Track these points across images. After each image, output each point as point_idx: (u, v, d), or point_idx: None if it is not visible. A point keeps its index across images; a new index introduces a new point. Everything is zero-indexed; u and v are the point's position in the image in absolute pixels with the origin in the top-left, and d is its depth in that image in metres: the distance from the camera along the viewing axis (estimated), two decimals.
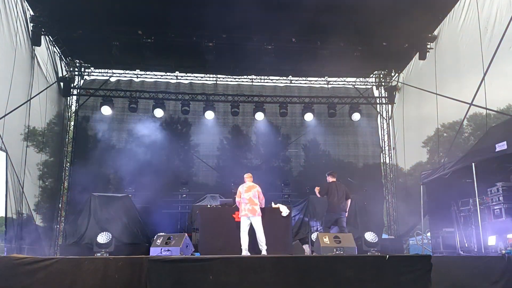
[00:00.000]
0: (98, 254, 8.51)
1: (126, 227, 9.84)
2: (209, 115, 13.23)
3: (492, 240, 7.31)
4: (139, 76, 13.85)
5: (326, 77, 14.18)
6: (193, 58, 12.49)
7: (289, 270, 5.79)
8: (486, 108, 8.69)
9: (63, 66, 12.73)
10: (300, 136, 14.27)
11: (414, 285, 5.70)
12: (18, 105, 9.53)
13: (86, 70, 13.70)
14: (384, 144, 14.16)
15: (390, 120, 14.08)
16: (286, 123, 14.37)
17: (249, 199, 7.75)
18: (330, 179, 8.70)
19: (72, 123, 13.40)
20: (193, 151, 13.96)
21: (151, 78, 13.94)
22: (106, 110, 12.83)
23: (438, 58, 10.90)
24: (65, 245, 9.91)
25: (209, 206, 9.06)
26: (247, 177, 8.12)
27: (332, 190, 8.43)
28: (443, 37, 10.89)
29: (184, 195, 12.32)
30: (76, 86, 13.46)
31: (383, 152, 14.15)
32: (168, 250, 6.91)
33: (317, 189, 8.57)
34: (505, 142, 6.76)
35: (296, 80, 14.22)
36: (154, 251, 7.03)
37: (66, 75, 12.87)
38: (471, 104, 9.14)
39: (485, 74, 8.53)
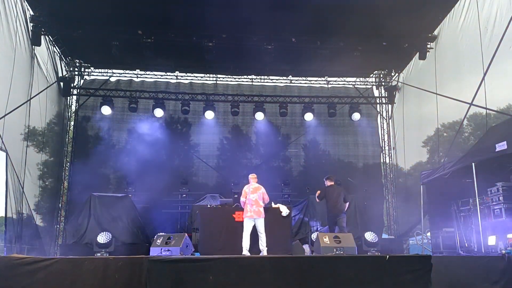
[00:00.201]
0: (98, 254, 8.51)
1: (126, 227, 9.82)
2: (209, 115, 13.23)
3: (492, 240, 7.31)
4: (139, 76, 13.85)
5: (326, 77, 14.18)
6: (193, 58, 12.46)
7: (289, 270, 5.79)
8: (486, 108, 8.68)
9: (63, 66, 12.73)
10: (300, 136, 14.26)
11: (414, 285, 5.70)
12: (18, 105, 9.53)
13: (86, 70, 13.70)
14: (384, 144, 14.16)
15: (390, 120, 14.08)
16: (286, 123, 14.37)
17: (255, 201, 7.77)
18: (328, 183, 8.96)
19: (72, 123, 13.41)
20: (193, 151, 13.96)
21: (151, 78, 13.95)
22: (106, 110, 12.84)
23: (438, 58, 10.88)
24: (65, 245, 9.93)
25: (209, 206, 9.05)
26: (252, 178, 8.13)
27: (328, 194, 8.74)
28: (443, 37, 10.88)
29: (184, 195, 12.30)
30: (76, 86, 13.47)
31: (383, 152, 14.14)
32: (168, 250, 6.92)
33: (317, 194, 8.91)
34: (505, 142, 6.78)
35: (296, 80, 14.22)
36: (154, 251, 7.04)
37: (66, 75, 12.88)
38: (471, 104, 9.14)
39: (485, 74, 8.53)
